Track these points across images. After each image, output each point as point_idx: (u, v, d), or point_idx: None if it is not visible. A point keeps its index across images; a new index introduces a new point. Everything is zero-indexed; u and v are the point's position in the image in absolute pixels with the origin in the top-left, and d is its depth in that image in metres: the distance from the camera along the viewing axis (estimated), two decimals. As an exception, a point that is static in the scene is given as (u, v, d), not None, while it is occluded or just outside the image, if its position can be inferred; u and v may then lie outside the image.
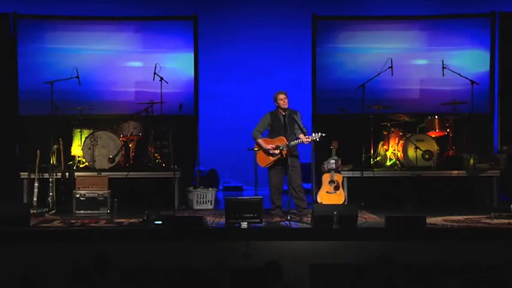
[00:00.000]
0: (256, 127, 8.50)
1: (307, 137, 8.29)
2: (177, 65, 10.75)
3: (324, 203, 8.74)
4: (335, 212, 7.25)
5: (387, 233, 7.18)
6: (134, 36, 10.79)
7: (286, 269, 5.67)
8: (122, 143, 9.80)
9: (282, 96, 8.40)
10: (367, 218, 8.10)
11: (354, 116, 10.09)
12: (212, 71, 11.70)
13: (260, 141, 8.42)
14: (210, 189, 9.56)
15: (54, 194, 9.21)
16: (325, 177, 8.97)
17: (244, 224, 7.31)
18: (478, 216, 8.22)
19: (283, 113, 8.39)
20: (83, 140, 9.72)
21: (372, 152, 9.96)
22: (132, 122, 9.96)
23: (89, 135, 9.72)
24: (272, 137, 8.45)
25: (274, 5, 11.56)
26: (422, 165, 9.65)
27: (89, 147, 9.66)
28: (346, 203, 8.92)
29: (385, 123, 10.13)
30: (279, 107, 8.42)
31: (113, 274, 5.74)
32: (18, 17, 10.48)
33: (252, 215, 7.43)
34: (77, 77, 9.90)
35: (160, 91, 10.02)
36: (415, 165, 9.62)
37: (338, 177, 8.99)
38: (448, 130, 9.99)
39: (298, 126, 8.42)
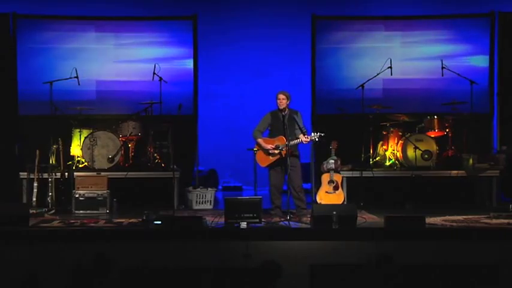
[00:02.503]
0: (257, 127, 8.54)
1: (306, 136, 8.32)
2: (176, 65, 10.75)
3: (323, 203, 8.74)
4: (334, 212, 7.24)
5: (386, 233, 7.17)
6: (134, 36, 10.78)
7: (286, 269, 5.67)
8: (121, 143, 9.80)
9: (280, 96, 8.45)
10: (366, 218, 8.10)
11: (353, 116, 10.10)
12: (212, 70, 11.70)
13: (260, 140, 8.46)
14: (209, 189, 9.55)
15: (54, 194, 9.21)
16: (325, 177, 8.98)
17: (243, 224, 7.31)
18: (477, 216, 8.21)
19: (283, 113, 8.42)
20: (82, 140, 9.71)
21: (371, 152, 9.96)
22: (131, 122, 9.96)
23: (88, 135, 9.72)
24: (272, 137, 8.48)
25: (274, 5, 11.56)
26: (422, 165, 9.65)
27: (88, 147, 9.66)
28: (345, 203, 8.93)
29: (384, 123, 10.13)
30: (278, 106, 8.47)
31: (113, 274, 5.74)
32: (18, 17, 10.48)
33: (251, 215, 7.42)
34: (76, 77, 9.89)
35: (159, 91, 10.02)
36: (414, 165, 9.62)
37: (337, 177, 9.00)
38: (447, 130, 9.99)
39: (298, 126, 8.44)
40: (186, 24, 10.72)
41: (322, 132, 8.31)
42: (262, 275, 5.46)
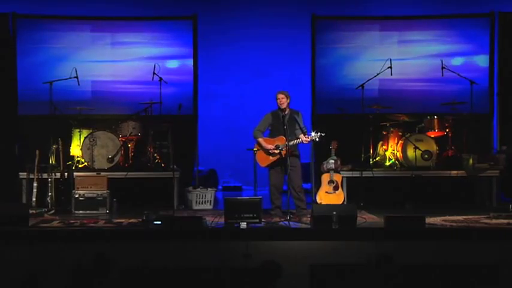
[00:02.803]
0: (257, 126, 8.55)
1: (306, 136, 8.32)
2: (176, 65, 10.76)
3: (323, 203, 8.74)
4: (334, 212, 7.25)
5: (386, 233, 7.18)
6: (133, 36, 10.79)
7: (286, 269, 5.68)
8: (121, 143, 9.80)
9: (279, 95, 8.47)
10: (366, 218, 8.10)
11: (353, 115, 10.10)
12: (212, 71, 11.70)
13: (260, 140, 8.47)
14: (209, 189, 9.55)
15: (53, 194, 9.21)
16: (325, 177, 8.98)
17: (243, 224, 7.32)
18: (477, 216, 8.22)
19: (284, 113, 8.44)
20: (82, 140, 9.72)
21: (371, 152, 9.96)
22: (131, 122, 9.96)
23: (88, 135, 9.73)
24: (272, 137, 8.49)
25: (274, 4, 11.55)
26: (422, 165, 9.65)
27: (88, 147, 9.67)
28: (345, 203, 8.93)
29: (384, 123, 10.13)
30: (278, 106, 8.48)
31: (113, 274, 5.75)
32: (18, 17, 10.48)
33: (251, 215, 7.43)
34: (76, 77, 9.90)
35: (159, 91, 10.02)
36: (414, 165, 9.63)
37: (337, 177, 9.00)
38: (447, 130, 10.00)
39: (299, 126, 8.45)
40: (186, 24, 10.73)
41: (322, 132, 8.31)
42: (262, 275, 5.46)
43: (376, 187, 9.59)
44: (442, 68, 10.22)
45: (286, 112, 8.47)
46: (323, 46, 10.73)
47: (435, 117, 10.03)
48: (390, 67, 10.03)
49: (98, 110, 10.38)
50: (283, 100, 8.44)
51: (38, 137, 9.80)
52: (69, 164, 9.70)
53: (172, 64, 10.73)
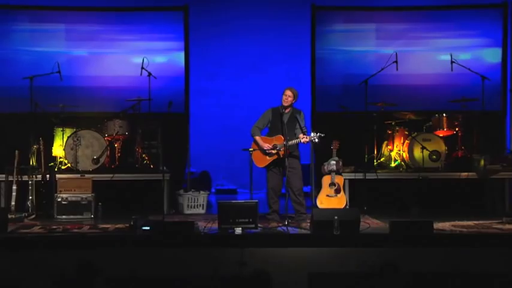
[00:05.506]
0: (256, 123, 8.55)
1: (305, 136, 8.31)
2: (166, 59, 10.77)
3: (324, 207, 8.75)
4: (336, 217, 7.26)
5: (392, 239, 7.19)
6: (120, 27, 10.81)
7: (284, 277, 5.69)
8: (107, 143, 9.80)
9: (287, 92, 8.46)
10: (370, 223, 8.13)
11: (356, 113, 10.11)
12: (204, 65, 11.71)
13: (258, 138, 8.46)
14: (201, 192, 9.56)
15: (34, 197, 9.18)
16: (325, 180, 8.98)
17: (238, 230, 7.33)
18: (489, 221, 8.25)
19: (286, 111, 8.43)
20: (64, 140, 9.72)
21: (375, 152, 9.98)
22: (117, 120, 9.96)
23: (72, 134, 9.72)
24: (271, 136, 8.49)
25: (271, -6, 11.60)
26: (429, 167, 9.67)
27: (72, 147, 9.66)
28: (347, 207, 8.94)
29: (389, 122, 10.15)
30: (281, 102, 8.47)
31: (98, 284, 5.74)
32: (-5, 7, 10.51)
33: (246, 220, 7.44)
34: (59, 72, 9.89)
35: (148, 87, 10.02)
36: (421, 167, 9.65)
37: (339, 180, 9.00)
38: (456, 129, 10.02)
39: (300, 125, 8.45)
40: (176, 15, 10.75)
41: (322, 133, 8.31)
42: (252, 284, 5.47)
43: (381, 190, 9.60)
44: (452, 62, 10.25)
45: (288, 110, 8.46)
46: (324, 38, 10.75)
47: (444, 115, 10.04)
48: (396, 61, 10.04)
49: (82, 108, 10.37)
50: (289, 98, 8.41)
51: (18, 136, 9.79)
52: (51, 166, 9.69)
53: (162, 58, 10.76)
